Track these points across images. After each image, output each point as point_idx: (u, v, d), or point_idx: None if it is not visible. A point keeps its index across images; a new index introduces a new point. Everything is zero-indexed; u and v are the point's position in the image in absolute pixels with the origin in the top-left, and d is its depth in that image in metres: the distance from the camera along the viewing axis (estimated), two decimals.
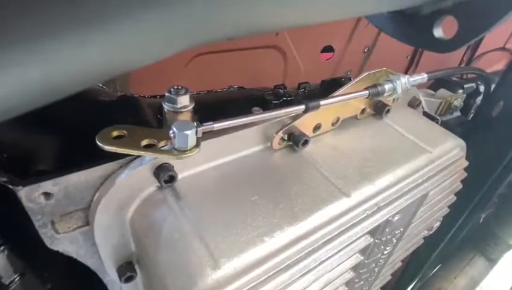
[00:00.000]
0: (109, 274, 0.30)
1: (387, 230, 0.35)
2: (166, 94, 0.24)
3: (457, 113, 0.63)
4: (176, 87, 0.24)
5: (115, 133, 0.23)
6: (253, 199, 0.27)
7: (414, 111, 0.44)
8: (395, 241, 0.40)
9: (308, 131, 0.32)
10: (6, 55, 0.09)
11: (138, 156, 0.25)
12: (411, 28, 0.32)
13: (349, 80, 0.35)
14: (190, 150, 0.23)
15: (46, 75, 0.10)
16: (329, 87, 0.41)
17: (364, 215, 0.29)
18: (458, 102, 0.60)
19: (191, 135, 0.22)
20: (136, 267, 0.29)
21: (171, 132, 0.22)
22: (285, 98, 0.37)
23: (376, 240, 0.34)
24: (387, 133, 0.38)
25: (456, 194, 0.45)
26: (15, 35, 0.09)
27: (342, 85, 0.34)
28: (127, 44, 0.11)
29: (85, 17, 0.10)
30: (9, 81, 0.09)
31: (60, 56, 0.10)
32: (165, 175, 0.25)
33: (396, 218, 0.34)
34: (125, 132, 0.23)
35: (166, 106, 0.24)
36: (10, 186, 0.21)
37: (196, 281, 0.21)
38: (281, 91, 0.38)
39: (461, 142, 0.40)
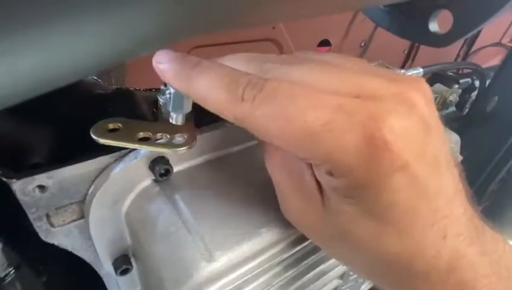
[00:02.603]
0: (105, 267, 0.30)
1: None
2: (162, 87, 0.24)
3: (453, 108, 0.63)
4: None
5: (110, 126, 0.23)
6: (249, 192, 0.27)
7: None
8: None
9: None
10: None
11: (133, 150, 0.25)
12: (407, 22, 0.32)
13: None
14: (186, 143, 0.23)
15: (37, 66, 0.10)
16: None
17: None
18: (453, 97, 0.60)
19: (186, 97, 0.22)
20: (132, 260, 0.29)
21: (167, 92, 0.21)
22: None
23: None
24: None
25: None
26: (4, 23, 0.09)
27: None
28: (122, 34, 0.11)
29: (78, 5, 0.10)
30: None
31: (51, 45, 0.10)
32: (160, 168, 0.25)
33: None
34: (120, 124, 0.23)
35: (161, 99, 0.24)
36: (4, 179, 0.21)
37: (191, 274, 0.21)
38: None
39: (456, 137, 0.40)
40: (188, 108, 0.22)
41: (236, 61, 0.19)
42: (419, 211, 0.17)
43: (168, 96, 0.21)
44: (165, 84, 0.24)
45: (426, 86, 0.19)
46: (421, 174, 0.16)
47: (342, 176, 0.17)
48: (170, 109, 0.22)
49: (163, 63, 0.19)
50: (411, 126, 0.16)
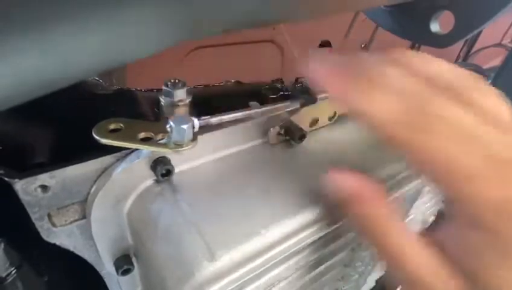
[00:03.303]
0: (106, 267, 0.30)
1: None
2: (163, 87, 0.24)
3: None
4: (172, 80, 0.24)
5: (112, 126, 0.23)
6: (249, 192, 0.27)
7: None
8: None
9: (305, 126, 0.33)
10: (0, 45, 0.09)
11: (135, 150, 0.25)
12: (408, 22, 0.32)
13: None
14: (187, 143, 0.23)
15: (41, 66, 0.10)
16: None
17: None
18: None
19: (188, 128, 0.22)
20: (133, 260, 0.29)
21: (167, 126, 0.22)
22: (282, 93, 0.37)
23: None
24: None
25: None
26: (10, 23, 0.09)
27: None
28: (126, 35, 0.11)
29: (83, 6, 0.10)
30: (2, 72, 0.09)
31: (56, 46, 0.10)
32: (162, 169, 0.26)
33: None
34: (122, 125, 0.23)
35: (163, 99, 0.24)
36: (6, 179, 0.21)
37: (193, 273, 0.21)
38: (278, 86, 0.38)
39: None
40: (189, 137, 0.22)
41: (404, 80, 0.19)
42: None
43: (168, 129, 0.22)
44: (166, 85, 0.24)
45: None
46: None
47: (480, 227, 0.18)
48: (172, 139, 0.22)
49: (331, 78, 0.20)
50: None
